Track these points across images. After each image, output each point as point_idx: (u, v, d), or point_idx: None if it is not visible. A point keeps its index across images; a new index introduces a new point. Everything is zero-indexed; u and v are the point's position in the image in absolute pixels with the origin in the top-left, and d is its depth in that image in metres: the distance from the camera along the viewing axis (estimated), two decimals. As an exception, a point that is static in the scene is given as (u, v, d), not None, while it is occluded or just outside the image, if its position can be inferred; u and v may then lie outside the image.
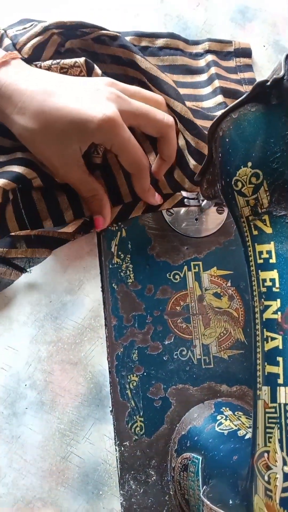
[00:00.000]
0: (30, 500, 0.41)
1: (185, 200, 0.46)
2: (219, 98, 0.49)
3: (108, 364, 0.44)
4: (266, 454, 0.26)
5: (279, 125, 0.27)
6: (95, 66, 0.43)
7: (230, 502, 0.30)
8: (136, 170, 0.42)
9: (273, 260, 0.28)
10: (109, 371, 0.43)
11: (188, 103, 0.46)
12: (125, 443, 0.42)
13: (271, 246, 0.29)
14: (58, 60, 0.43)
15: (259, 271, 0.29)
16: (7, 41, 0.43)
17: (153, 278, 0.45)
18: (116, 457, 0.42)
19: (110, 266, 0.45)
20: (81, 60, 0.43)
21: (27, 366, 0.43)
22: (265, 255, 0.29)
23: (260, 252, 0.29)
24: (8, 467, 0.41)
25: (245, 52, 0.53)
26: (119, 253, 0.45)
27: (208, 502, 0.31)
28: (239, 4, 0.55)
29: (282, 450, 0.26)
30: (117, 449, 0.42)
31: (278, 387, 0.27)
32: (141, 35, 0.50)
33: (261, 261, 0.29)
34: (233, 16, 0.55)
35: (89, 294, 0.45)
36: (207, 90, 0.51)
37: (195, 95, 0.50)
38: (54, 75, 0.41)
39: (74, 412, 0.42)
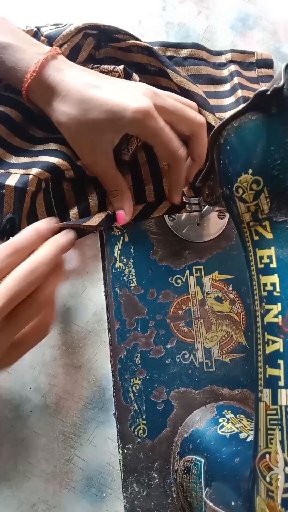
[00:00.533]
0: (34, 502, 0.41)
1: (187, 205, 0.47)
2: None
3: (111, 367, 0.44)
4: (267, 456, 0.27)
5: (279, 133, 0.28)
6: (133, 73, 0.45)
7: (233, 503, 0.30)
8: (173, 160, 0.43)
9: (273, 265, 0.29)
10: (112, 375, 0.44)
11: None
12: (128, 446, 0.43)
13: (271, 251, 0.29)
14: (98, 64, 0.45)
15: (260, 275, 0.30)
16: (43, 39, 0.45)
17: (155, 283, 0.46)
18: (119, 459, 0.42)
19: (113, 271, 0.46)
20: (120, 67, 0.45)
21: (31, 369, 0.43)
22: (265, 260, 0.29)
23: (261, 257, 0.30)
24: (13, 469, 0.41)
25: (267, 63, 0.54)
26: (122, 257, 0.46)
27: (211, 504, 0.31)
28: (240, 11, 0.56)
29: (283, 451, 0.26)
30: (120, 452, 0.42)
31: (279, 389, 0.27)
32: (167, 45, 0.52)
33: (262, 265, 0.29)
34: (233, 23, 0.56)
35: (93, 298, 0.45)
36: (230, 100, 0.52)
37: (219, 106, 0.52)
38: (96, 72, 0.44)
39: (78, 415, 0.43)
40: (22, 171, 0.43)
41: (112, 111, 0.39)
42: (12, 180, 0.43)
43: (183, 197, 0.47)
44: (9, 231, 0.43)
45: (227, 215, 0.48)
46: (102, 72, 0.45)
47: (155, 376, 0.44)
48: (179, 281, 0.46)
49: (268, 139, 0.28)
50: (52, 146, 0.45)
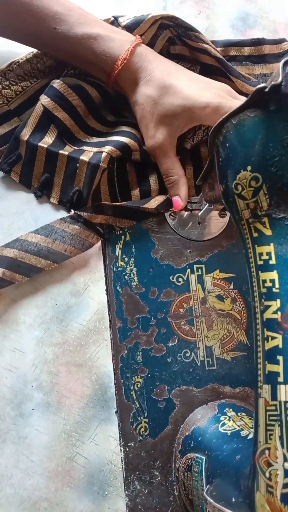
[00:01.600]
0: (36, 500, 0.41)
1: (188, 204, 0.47)
2: None
3: (113, 365, 0.44)
4: (267, 451, 0.27)
5: (278, 130, 0.28)
6: None
7: (233, 500, 0.30)
8: None
9: (272, 261, 0.29)
10: (114, 373, 0.44)
11: None
12: (130, 444, 0.43)
13: (270, 248, 0.29)
14: (176, 60, 0.48)
15: (259, 272, 0.30)
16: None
17: (156, 281, 0.46)
18: (121, 457, 0.42)
19: (115, 269, 0.46)
20: (197, 68, 0.48)
21: (33, 368, 0.43)
22: (265, 257, 0.29)
23: (260, 254, 0.30)
24: (15, 467, 0.42)
25: None
26: (123, 256, 0.46)
27: (212, 500, 0.31)
28: (240, 11, 0.56)
29: (282, 447, 0.26)
30: (122, 450, 0.43)
31: (278, 385, 0.27)
32: (228, 45, 0.53)
33: (261, 262, 0.30)
34: (234, 23, 0.56)
35: (94, 297, 0.45)
36: None
37: None
38: (177, 64, 0.47)
39: (80, 413, 0.43)
40: (95, 149, 0.46)
41: (189, 99, 0.42)
42: (86, 156, 0.45)
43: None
44: (75, 204, 0.46)
45: (228, 213, 0.48)
46: None
47: (157, 374, 0.44)
48: (180, 279, 0.46)
49: (266, 136, 0.28)
50: (124, 128, 0.48)
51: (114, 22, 0.48)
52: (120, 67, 0.44)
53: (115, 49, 0.44)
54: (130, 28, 0.47)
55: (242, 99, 0.43)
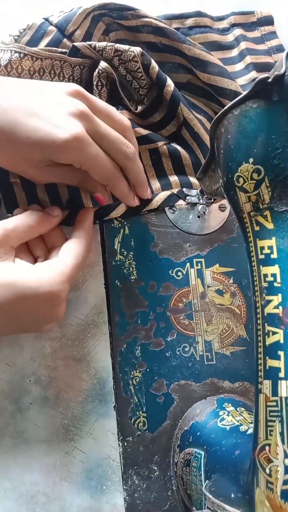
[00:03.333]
0: (34, 494, 0.41)
1: (187, 197, 0.46)
2: (253, 74, 0.51)
3: (112, 360, 0.44)
4: (267, 447, 0.27)
5: (281, 122, 0.28)
6: (152, 61, 0.44)
7: (232, 495, 0.30)
8: (110, 181, 0.41)
9: (274, 256, 0.29)
10: (113, 367, 0.44)
11: None
12: (128, 439, 0.42)
13: (272, 242, 0.29)
14: (113, 43, 0.44)
15: (261, 266, 0.29)
16: (51, 29, 0.45)
17: (156, 275, 0.46)
18: (119, 452, 0.42)
19: (113, 263, 0.45)
20: (137, 49, 0.44)
21: (31, 362, 0.43)
22: (266, 251, 0.29)
23: (262, 248, 0.29)
24: (13, 462, 0.41)
25: (268, 20, 0.54)
26: (122, 250, 0.46)
27: (211, 496, 0.31)
28: (240, 6, 0.55)
29: (283, 443, 0.26)
30: (120, 445, 0.42)
31: (279, 381, 0.27)
32: (171, 18, 0.51)
33: (263, 256, 0.29)
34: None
35: (93, 291, 0.45)
36: (240, 66, 0.52)
37: (230, 72, 0.51)
38: (12, 81, 0.38)
39: (78, 408, 0.43)
40: None
41: (38, 145, 0.35)
42: None
43: (184, 189, 0.47)
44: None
45: (228, 207, 0.48)
46: (116, 51, 0.43)
47: (155, 368, 0.44)
48: (179, 273, 0.46)
49: (269, 127, 0.28)
50: None
51: (45, 23, 0.45)
52: None
53: None
54: (63, 25, 0.44)
55: (105, 107, 0.39)
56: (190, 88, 0.50)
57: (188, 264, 0.46)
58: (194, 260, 0.46)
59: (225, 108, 0.29)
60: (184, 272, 0.46)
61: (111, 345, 0.44)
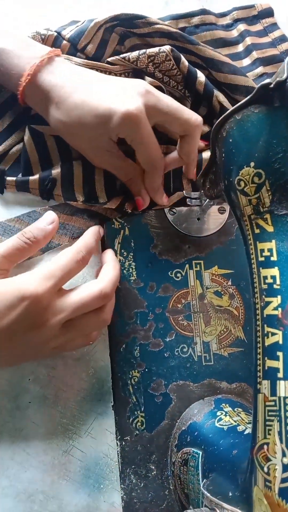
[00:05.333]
0: (32, 493, 0.41)
1: (187, 200, 0.47)
2: (260, 70, 0.52)
3: (110, 360, 0.44)
4: (265, 446, 0.27)
5: (282, 127, 0.28)
6: (182, 56, 0.46)
7: (230, 494, 0.31)
8: (150, 168, 0.43)
9: (274, 258, 0.29)
10: (111, 367, 0.44)
11: None
12: (126, 438, 0.43)
13: (272, 244, 0.29)
14: (144, 50, 0.45)
15: (260, 268, 0.30)
16: (65, 44, 0.46)
17: (155, 276, 0.46)
18: (117, 451, 0.43)
19: (113, 264, 0.46)
20: (167, 48, 0.45)
21: (30, 361, 0.43)
22: (266, 253, 0.29)
23: (262, 250, 0.30)
24: (11, 460, 0.42)
25: (268, 12, 0.55)
26: (122, 251, 0.46)
27: (208, 494, 0.32)
28: (240, 1, 0.56)
29: (281, 442, 0.26)
30: (118, 444, 0.43)
31: (278, 381, 0.27)
32: (176, 18, 0.52)
33: (262, 258, 0.30)
34: (236, 19, 0.56)
35: (92, 291, 0.45)
36: (246, 61, 0.53)
37: (241, 70, 0.52)
38: (91, 73, 0.43)
39: (77, 407, 0.43)
40: None
41: (101, 116, 0.39)
42: None
43: (184, 191, 0.47)
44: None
45: (227, 209, 0.48)
46: (149, 57, 0.45)
47: (154, 369, 0.44)
48: (178, 275, 0.46)
49: (270, 132, 0.28)
50: None
51: (58, 38, 0.46)
52: (24, 84, 0.40)
53: (20, 67, 0.40)
54: (75, 39, 0.46)
55: (161, 104, 0.41)
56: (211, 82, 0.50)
57: (187, 266, 0.47)
58: (193, 262, 0.47)
59: (227, 112, 0.30)
60: (183, 274, 0.47)
61: (110, 345, 0.45)
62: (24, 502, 0.41)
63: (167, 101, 0.41)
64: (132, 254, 0.46)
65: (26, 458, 0.42)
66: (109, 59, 0.46)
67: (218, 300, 0.46)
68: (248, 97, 0.29)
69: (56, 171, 0.46)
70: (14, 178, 0.46)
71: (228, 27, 0.54)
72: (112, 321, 0.45)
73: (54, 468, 0.42)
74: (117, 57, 0.46)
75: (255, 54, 0.52)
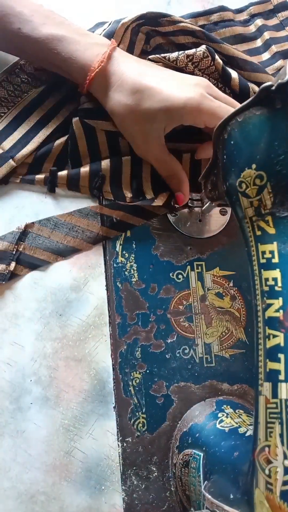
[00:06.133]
0: (33, 494, 0.41)
1: (189, 201, 0.47)
2: (279, 63, 0.53)
3: (112, 361, 0.44)
4: (267, 449, 0.27)
5: (283, 129, 0.28)
6: (216, 55, 0.46)
7: (231, 496, 0.31)
8: None
9: (275, 260, 0.29)
10: (113, 368, 0.44)
11: None
12: (127, 439, 0.43)
13: (274, 246, 0.29)
14: (182, 51, 0.46)
15: (262, 270, 0.30)
16: None
17: (156, 278, 0.46)
18: (119, 452, 0.43)
19: (115, 265, 0.46)
20: (203, 47, 0.45)
21: (32, 362, 0.43)
22: (268, 255, 0.29)
23: (263, 252, 0.30)
24: (13, 461, 0.42)
25: (284, 5, 0.55)
26: (124, 252, 0.46)
27: (210, 496, 0.32)
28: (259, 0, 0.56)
29: (282, 444, 0.26)
30: (120, 445, 0.43)
31: (279, 383, 0.27)
32: (196, 16, 0.53)
33: (264, 260, 0.30)
34: (238, 20, 0.56)
35: (94, 292, 0.45)
36: (266, 56, 0.54)
37: (263, 68, 0.52)
38: (151, 63, 0.46)
39: (78, 408, 0.43)
40: None
41: (166, 100, 0.40)
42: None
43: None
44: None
45: (229, 211, 0.48)
46: (188, 56, 0.45)
47: (155, 370, 0.44)
48: (180, 276, 0.46)
49: (272, 134, 0.28)
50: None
51: None
52: (97, 70, 0.42)
53: (81, 51, 0.42)
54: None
55: (220, 94, 0.43)
56: None
57: (188, 267, 0.47)
58: (195, 263, 0.47)
59: (229, 115, 0.30)
60: (185, 275, 0.47)
61: (112, 346, 0.45)
62: (26, 503, 0.41)
63: (224, 96, 0.43)
64: (133, 255, 0.46)
65: (28, 459, 0.42)
66: (150, 57, 0.47)
67: (219, 302, 0.46)
68: (250, 99, 0.29)
69: (105, 165, 0.46)
70: (65, 173, 0.47)
71: (245, 22, 0.55)
72: (114, 322, 0.45)
73: (56, 469, 0.42)
74: (157, 55, 0.46)
75: (274, 48, 0.53)
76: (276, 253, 0.29)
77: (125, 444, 0.43)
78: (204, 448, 0.38)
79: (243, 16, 0.55)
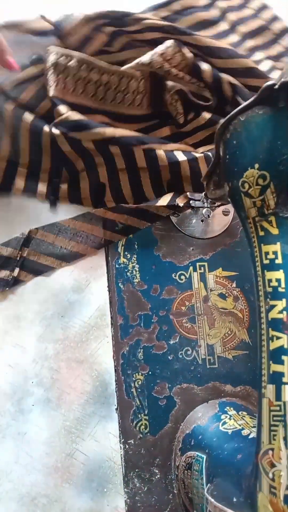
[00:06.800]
0: (35, 496, 0.41)
1: (191, 201, 0.47)
2: (250, 44, 0.52)
3: (114, 362, 0.44)
4: (270, 452, 0.27)
5: (286, 128, 0.28)
6: (183, 48, 0.46)
7: (234, 499, 0.30)
8: None
9: (279, 261, 0.29)
10: (115, 370, 0.44)
11: None
12: (129, 441, 0.43)
13: (277, 247, 0.29)
14: (153, 51, 0.45)
15: (265, 271, 0.29)
16: (46, 25, 0.45)
17: (159, 278, 0.46)
18: (121, 455, 0.42)
19: (117, 266, 0.46)
20: (171, 42, 0.45)
21: (34, 363, 0.43)
22: (271, 256, 0.29)
23: (266, 253, 0.29)
24: (14, 463, 0.42)
25: None
26: (126, 253, 0.46)
27: (212, 500, 0.31)
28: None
29: (286, 447, 0.26)
30: (122, 447, 0.42)
31: (283, 386, 0.27)
32: (157, 8, 0.51)
33: (267, 261, 0.29)
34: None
35: (96, 293, 0.45)
36: (234, 38, 0.53)
37: (237, 52, 0.51)
38: None
39: (80, 410, 0.43)
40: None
41: None
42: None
43: (188, 193, 0.47)
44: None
45: (231, 212, 0.48)
46: (161, 55, 0.45)
47: (158, 371, 0.44)
48: (182, 277, 0.46)
49: (275, 133, 0.28)
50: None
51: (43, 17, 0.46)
52: None
53: None
54: (60, 25, 0.45)
55: None
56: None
57: (191, 268, 0.46)
58: (197, 264, 0.46)
59: (231, 114, 0.30)
60: (187, 276, 0.46)
61: (114, 347, 0.44)
62: (28, 505, 0.41)
63: None
64: (135, 256, 0.46)
65: (30, 461, 0.42)
66: (123, 68, 0.46)
67: (222, 303, 0.46)
68: (253, 98, 0.28)
69: (102, 174, 0.47)
70: (65, 187, 0.47)
71: (208, 7, 0.53)
72: (116, 323, 0.44)
73: (58, 471, 0.42)
74: (129, 65, 0.46)
75: (241, 29, 0.52)
76: (279, 254, 0.29)
77: (127, 446, 0.42)
78: (207, 450, 0.37)
79: (204, 0, 0.53)
